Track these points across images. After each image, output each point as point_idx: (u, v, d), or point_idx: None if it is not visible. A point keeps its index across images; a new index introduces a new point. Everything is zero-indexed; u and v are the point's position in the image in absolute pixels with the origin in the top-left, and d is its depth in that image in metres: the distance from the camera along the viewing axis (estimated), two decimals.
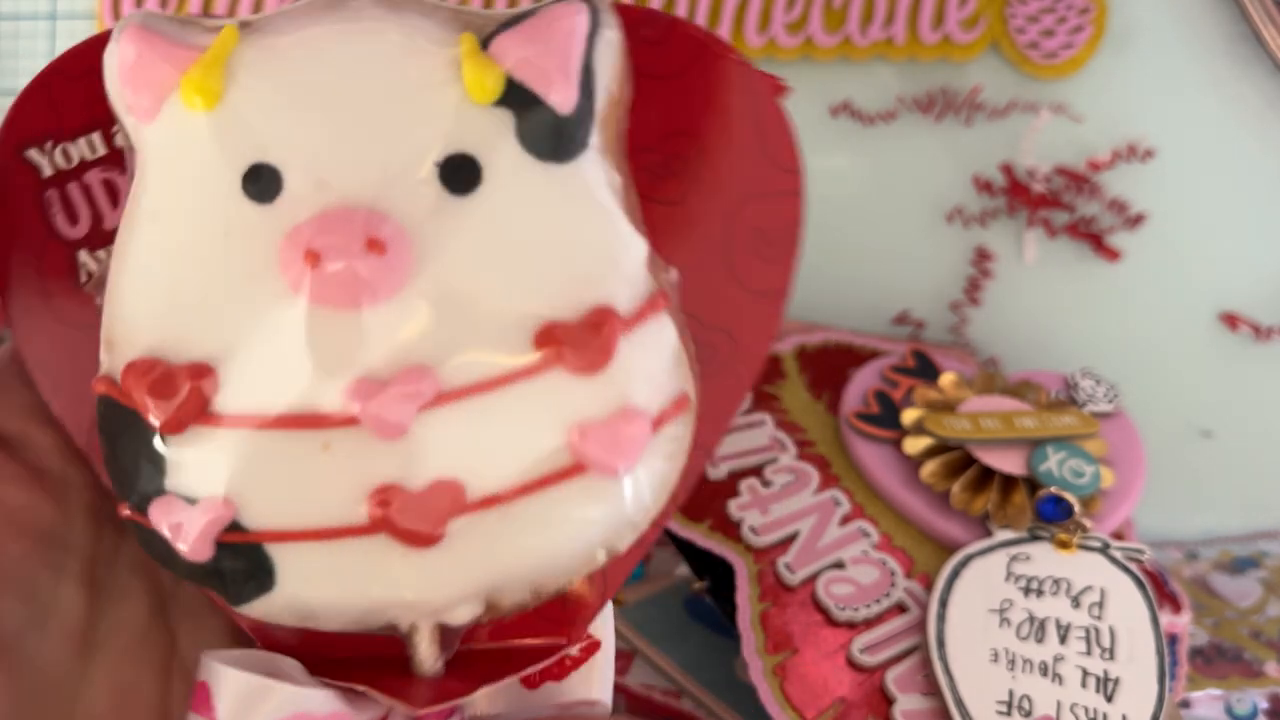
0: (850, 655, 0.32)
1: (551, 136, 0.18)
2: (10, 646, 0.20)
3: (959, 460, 0.36)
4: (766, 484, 0.36)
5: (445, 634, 0.20)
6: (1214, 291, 0.46)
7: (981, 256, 0.46)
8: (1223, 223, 0.46)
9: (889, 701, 0.31)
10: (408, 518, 0.18)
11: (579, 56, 0.18)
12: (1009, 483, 0.35)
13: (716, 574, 0.36)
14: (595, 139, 0.19)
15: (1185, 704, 0.40)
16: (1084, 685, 0.31)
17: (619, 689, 0.35)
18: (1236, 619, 0.42)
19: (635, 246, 0.19)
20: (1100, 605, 0.33)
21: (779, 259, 0.21)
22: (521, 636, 0.21)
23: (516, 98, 0.18)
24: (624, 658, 0.37)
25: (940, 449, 0.36)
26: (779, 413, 0.39)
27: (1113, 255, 0.45)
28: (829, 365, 0.42)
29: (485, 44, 0.18)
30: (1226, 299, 0.46)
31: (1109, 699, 0.31)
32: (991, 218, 0.46)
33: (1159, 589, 0.34)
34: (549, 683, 0.21)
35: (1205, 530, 0.46)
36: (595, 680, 0.21)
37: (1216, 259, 0.46)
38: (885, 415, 0.37)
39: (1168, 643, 0.33)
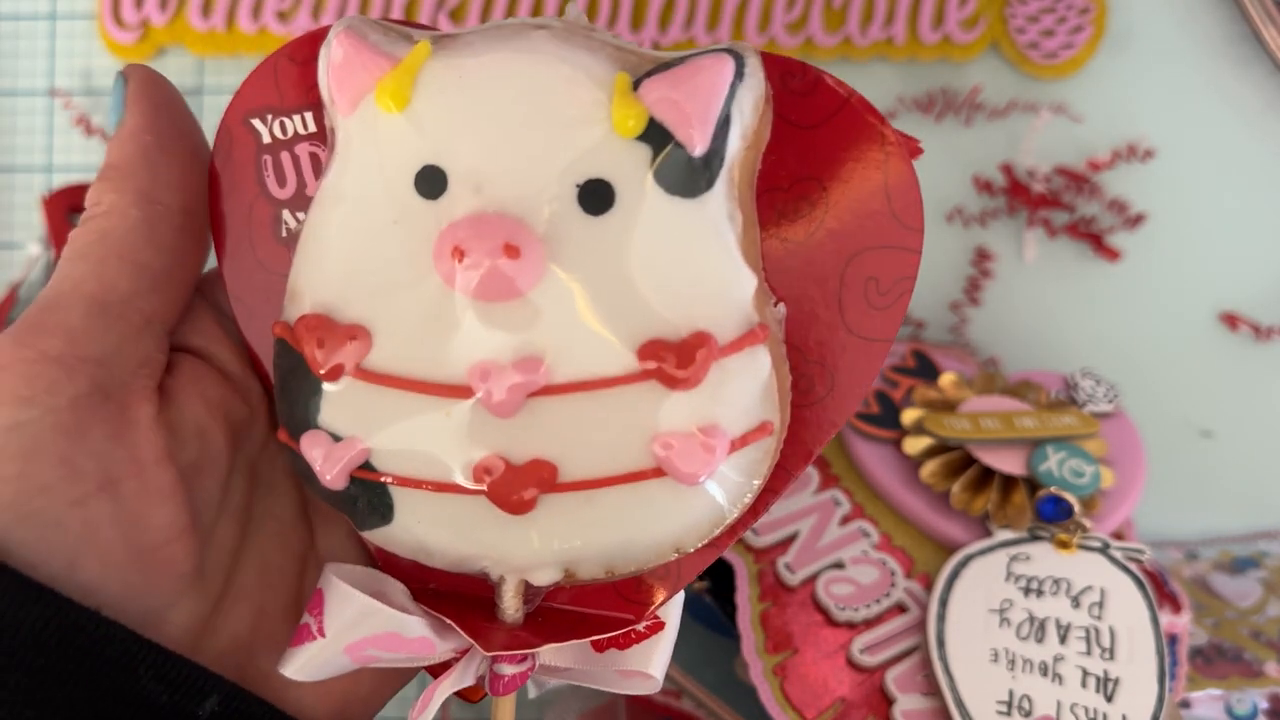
0: (850, 655, 0.32)
1: (682, 174, 0.20)
2: (199, 521, 0.23)
3: (959, 460, 0.36)
4: None
5: (529, 590, 0.23)
6: (1214, 291, 0.46)
7: (981, 256, 0.46)
8: (1223, 223, 0.46)
9: (889, 701, 0.31)
10: (505, 486, 0.21)
11: (718, 106, 0.20)
12: (1009, 483, 0.35)
13: (716, 574, 0.36)
14: (723, 179, 0.21)
15: (1185, 704, 0.40)
16: (1084, 685, 0.31)
17: None
18: (1236, 619, 0.42)
19: (744, 281, 0.21)
20: (1100, 605, 0.33)
21: (888, 308, 0.22)
22: (597, 606, 0.23)
23: (656, 135, 0.20)
24: None
25: (940, 449, 0.36)
26: None
27: (1113, 255, 0.45)
28: None
29: (637, 84, 0.20)
30: (1226, 299, 0.46)
31: (1109, 699, 0.31)
32: (991, 218, 0.46)
33: (1159, 589, 0.34)
34: (613, 649, 0.23)
35: (1205, 530, 0.46)
36: (654, 656, 0.23)
37: (1216, 259, 0.46)
38: (885, 415, 0.37)
39: (1168, 643, 0.33)
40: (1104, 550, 0.34)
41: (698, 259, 0.21)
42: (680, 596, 0.24)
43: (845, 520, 0.35)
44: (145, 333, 0.22)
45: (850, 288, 0.22)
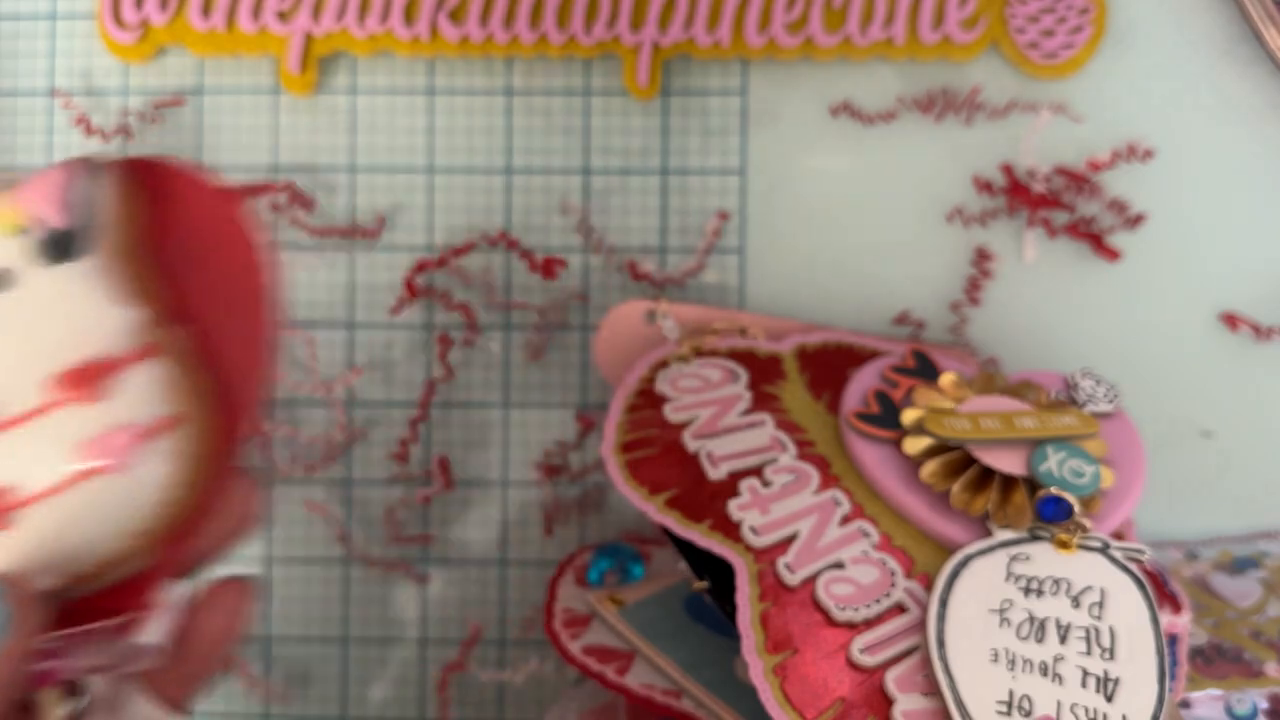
0: (850, 655, 0.32)
1: (56, 249, 0.28)
2: None
3: (959, 460, 0.36)
4: (766, 484, 0.36)
5: (29, 596, 0.27)
6: (1214, 291, 0.46)
7: (981, 256, 0.46)
8: (1223, 223, 0.46)
9: (889, 702, 0.31)
10: None
11: (66, 196, 0.28)
12: (1009, 483, 0.35)
13: (716, 573, 0.36)
14: (94, 245, 0.28)
15: (1185, 704, 0.40)
16: (1084, 685, 0.31)
17: (619, 689, 0.35)
18: (1236, 619, 0.42)
19: (126, 314, 0.28)
20: (1100, 605, 0.33)
21: (257, 317, 0.29)
22: (109, 604, 0.28)
23: (33, 228, 0.27)
24: (624, 658, 0.37)
25: (940, 449, 0.36)
26: (779, 412, 0.39)
27: (1113, 255, 0.45)
28: (829, 365, 0.42)
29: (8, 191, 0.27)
30: (1226, 299, 0.46)
31: (1109, 699, 0.31)
32: (991, 218, 0.46)
33: (1159, 589, 0.34)
34: (121, 632, 0.28)
35: (1205, 530, 0.46)
36: (154, 631, 0.29)
37: (1216, 259, 0.46)
38: (885, 415, 0.37)
39: (1168, 642, 0.33)
40: (1104, 550, 0.34)
41: (85, 306, 0.28)
42: (168, 583, 0.29)
43: (845, 520, 0.35)
44: None
45: (230, 306, 0.29)
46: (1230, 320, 0.46)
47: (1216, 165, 0.46)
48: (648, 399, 0.40)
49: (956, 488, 0.35)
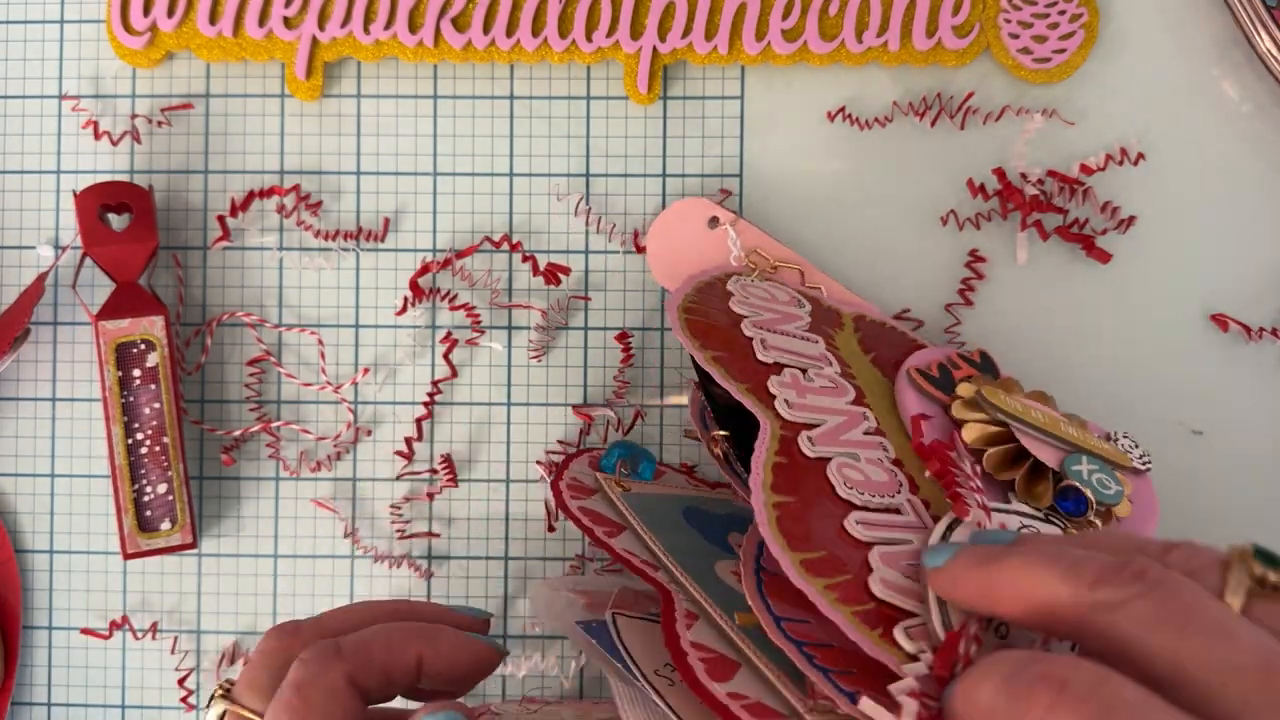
0: (845, 524, 0.32)
1: None
2: None
3: (999, 436, 0.37)
4: (809, 379, 0.37)
5: None
6: (1204, 293, 0.46)
7: (975, 258, 0.46)
8: (1214, 225, 0.46)
9: (869, 569, 0.31)
10: None
11: None
12: (1038, 469, 0.36)
13: (739, 427, 0.37)
14: None
15: None
16: None
17: (604, 546, 0.36)
18: None
19: None
20: None
21: None
22: None
23: None
24: (616, 527, 0.38)
25: (985, 423, 0.37)
26: (832, 345, 0.40)
27: (1104, 257, 0.46)
28: (881, 339, 0.43)
29: None
30: (1217, 300, 0.46)
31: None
32: (985, 220, 0.46)
33: None
34: None
35: (1194, 530, 0.46)
36: None
37: (1207, 261, 0.46)
38: (942, 380, 0.39)
39: None
40: None
41: None
42: None
43: (869, 433, 0.36)
44: None
45: None
46: (1220, 321, 0.46)
47: (1207, 168, 0.46)
48: (718, 292, 0.42)
49: (991, 451, 0.36)
